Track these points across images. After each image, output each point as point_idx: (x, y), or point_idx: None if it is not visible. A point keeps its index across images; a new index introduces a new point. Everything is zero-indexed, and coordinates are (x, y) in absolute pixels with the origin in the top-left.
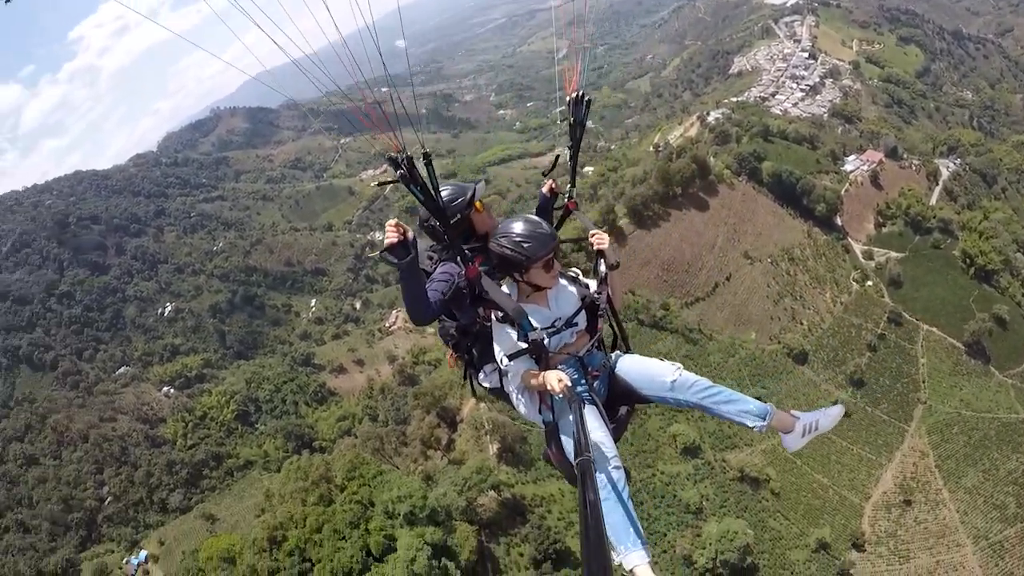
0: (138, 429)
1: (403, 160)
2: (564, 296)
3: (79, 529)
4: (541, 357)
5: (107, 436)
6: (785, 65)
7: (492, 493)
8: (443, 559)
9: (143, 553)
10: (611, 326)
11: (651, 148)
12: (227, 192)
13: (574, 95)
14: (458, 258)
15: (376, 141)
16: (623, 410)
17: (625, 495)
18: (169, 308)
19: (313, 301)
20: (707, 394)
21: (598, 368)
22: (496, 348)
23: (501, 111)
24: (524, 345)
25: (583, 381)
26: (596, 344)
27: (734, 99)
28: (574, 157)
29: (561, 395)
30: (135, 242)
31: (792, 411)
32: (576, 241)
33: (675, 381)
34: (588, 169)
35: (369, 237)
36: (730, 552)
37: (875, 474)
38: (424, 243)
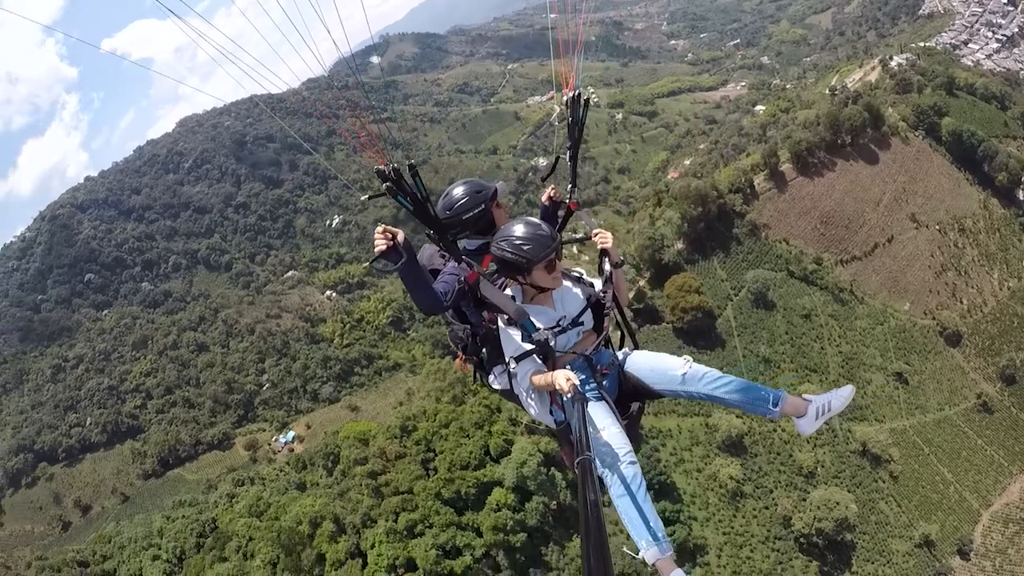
0: (300, 327)
1: (390, 172)
2: (569, 296)
3: (237, 409)
4: (548, 357)
5: (271, 331)
6: (981, 10)
7: None
8: (552, 469)
9: (291, 434)
10: (618, 324)
11: (827, 91)
12: (395, 114)
13: (571, 95)
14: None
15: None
16: (635, 407)
17: (641, 491)
18: (337, 220)
19: None
20: (718, 384)
21: (607, 366)
22: (504, 350)
23: (672, 41)
24: (530, 346)
25: (592, 379)
26: (604, 342)
27: (921, 44)
28: (574, 158)
29: (569, 394)
30: (307, 159)
31: (804, 395)
32: (580, 241)
33: (685, 374)
34: (759, 107)
35: (532, 163)
36: (827, 521)
37: (1003, 482)
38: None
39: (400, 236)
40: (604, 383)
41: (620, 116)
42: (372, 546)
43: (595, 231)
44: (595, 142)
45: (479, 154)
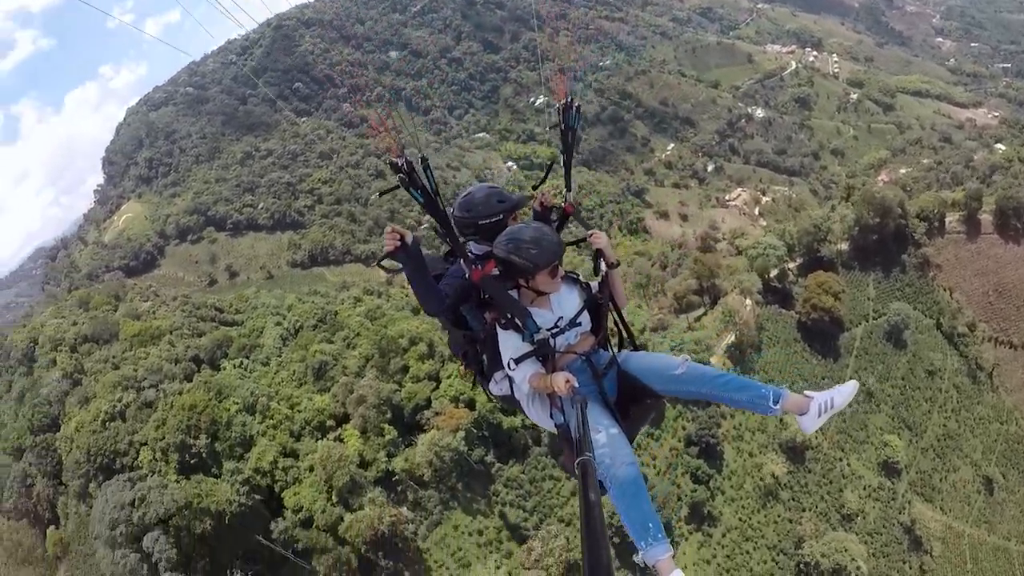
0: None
1: (403, 165)
2: (566, 298)
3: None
4: (547, 359)
5: (446, 180)
6: None
7: None
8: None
9: None
10: (616, 325)
11: None
12: (629, 17)
13: (564, 102)
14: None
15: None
16: (634, 408)
17: (641, 492)
18: (541, 100)
19: (671, 145)
20: (718, 383)
21: (605, 366)
22: (502, 353)
23: (939, 39)
24: (530, 347)
25: (591, 380)
26: (602, 343)
27: None
28: (567, 162)
29: (568, 396)
30: (529, 35)
31: (806, 392)
32: (575, 243)
33: (684, 373)
34: (1000, 146)
35: (749, 110)
36: (827, 560)
37: None
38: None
39: (408, 237)
40: (603, 383)
41: (855, 97)
42: (448, 376)
43: (590, 232)
44: (820, 114)
45: (699, 83)
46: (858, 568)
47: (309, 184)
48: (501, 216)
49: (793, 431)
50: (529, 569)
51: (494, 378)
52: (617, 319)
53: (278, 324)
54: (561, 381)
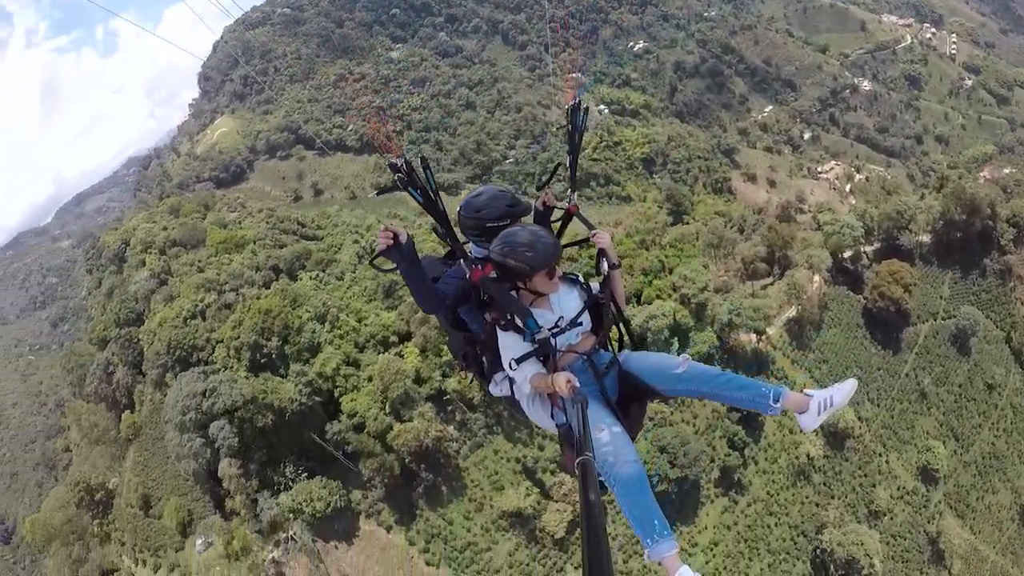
0: (561, 123)
1: (402, 165)
2: (566, 298)
3: (476, 168)
4: (548, 358)
5: (535, 117)
6: None
7: None
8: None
9: None
10: (617, 325)
11: None
12: None
13: (572, 103)
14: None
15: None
16: (636, 407)
17: (645, 489)
18: (640, 46)
19: (769, 107)
20: (719, 382)
21: (606, 366)
22: (503, 355)
23: None
24: (530, 347)
25: (592, 380)
26: (603, 343)
27: None
28: (573, 163)
29: (569, 395)
30: None
31: (805, 390)
32: (578, 243)
33: (685, 372)
34: None
35: (855, 81)
36: (839, 548)
37: None
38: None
39: (402, 235)
40: (604, 383)
41: (970, 83)
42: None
43: (593, 232)
44: (930, 95)
45: (806, 46)
46: (871, 565)
47: (399, 110)
48: (509, 220)
49: (837, 414)
50: (557, 501)
51: (494, 379)
52: (618, 319)
53: (355, 242)
54: (562, 381)
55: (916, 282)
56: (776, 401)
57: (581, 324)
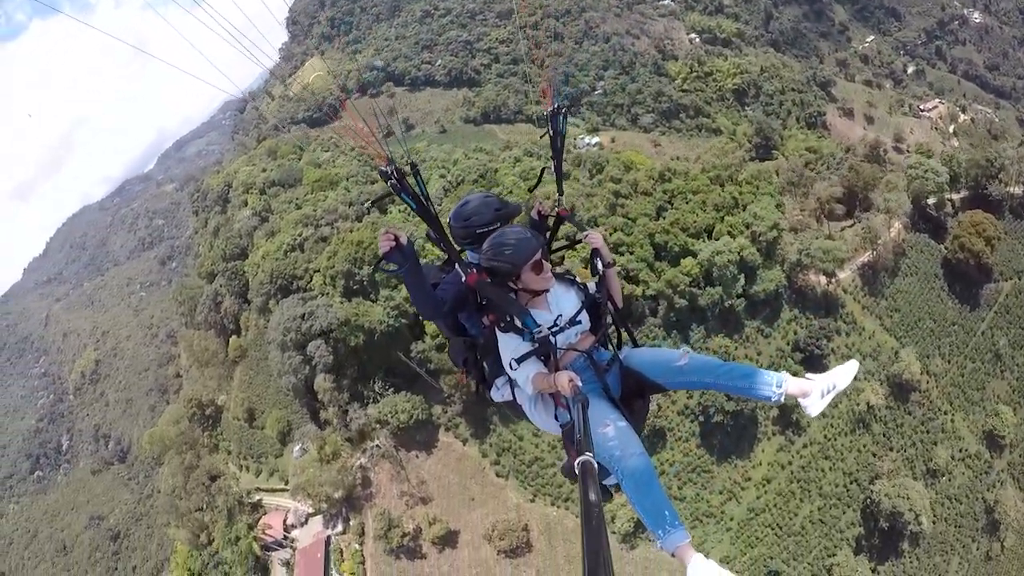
0: (651, 54)
1: (392, 172)
2: (563, 297)
3: (564, 99)
4: (549, 357)
5: (624, 47)
6: None
7: None
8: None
9: (596, 139)
10: (614, 323)
11: None
12: None
13: (550, 109)
14: (458, 264)
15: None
16: (638, 403)
17: (653, 482)
18: None
19: (871, 37)
20: (720, 372)
21: (607, 363)
22: (503, 355)
23: None
24: (530, 347)
25: (594, 377)
26: (603, 342)
27: None
28: (558, 168)
29: (572, 394)
30: None
31: (807, 375)
32: (571, 245)
33: (686, 364)
34: None
35: (965, 12)
36: (886, 499)
37: None
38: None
39: (403, 237)
40: (606, 380)
41: None
42: (579, 243)
43: (585, 233)
44: None
45: None
46: (917, 521)
47: (486, 43)
48: (498, 224)
49: (903, 366)
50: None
51: (495, 384)
52: (615, 317)
53: (442, 176)
54: (565, 379)
55: (1001, 236)
56: (779, 387)
57: (580, 323)
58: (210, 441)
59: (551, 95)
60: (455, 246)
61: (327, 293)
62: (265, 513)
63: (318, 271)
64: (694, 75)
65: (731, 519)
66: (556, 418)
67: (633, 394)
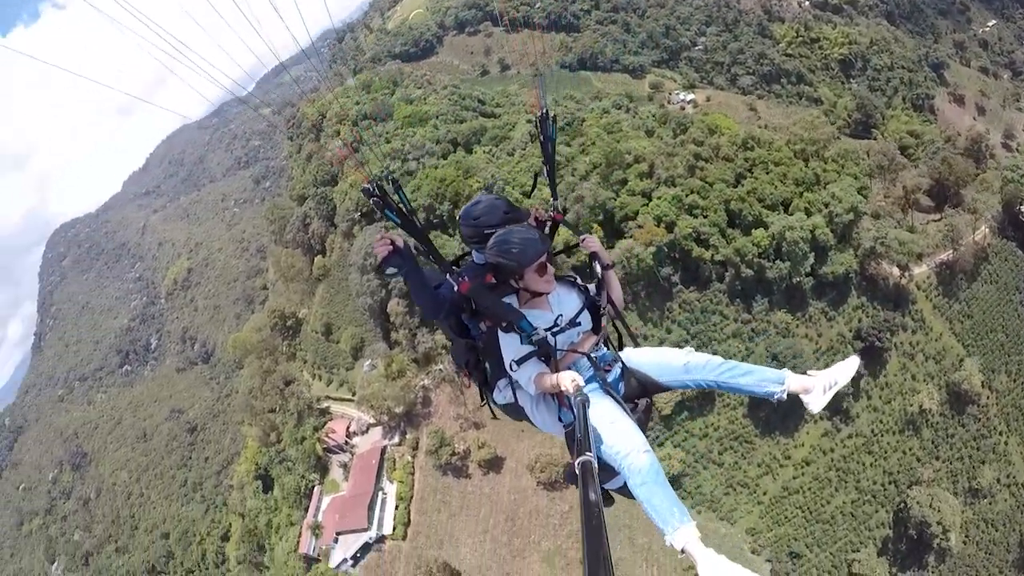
0: (757, 14)
1: (374, 189)
2: (564, 298)
3: (663, 52)
4: (550, 358)
5: (729, 4)
6: None
7: None
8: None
9: (690, 96)
10: (614, 324)
11: None
12: None
13: (539, 114)
14: (452, 273)
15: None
16: (642, 403)
17: (660, 478)
18: None
19: (992, 22)
20: (723, 370)
21: (609, 363)
22: (504, 356)
23: None
24: (530, 348)
25: (596, 377)
26: (603, 342)
27: None
28: (551, 172)
29: (574, 395)
30: None
31: (809, 371)
32: (568, 250)
33: (688, 363)
34: None
35: None
36: (918, 507)
37: None
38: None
39: (400, 241)
40: (609, 380)
41: None
42: (659, 198)
43: (582, 237)
44: None
45: None
46: (944, 533)
47: None
48: (506, 226)
49: (965, 375)
50: None
51: (497, 386)
52: (616, 318)
53: (529, 121)
54: (567, 380)
55: None
56: (781, 384)
57: (580, 324)
58: (288, 350)
59: (539, 100)
60: (442, 255)
61: None
62: (331, 419)
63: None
64: (800, 40)
65: (764, 493)
66: (560, 419)
67: (636, 393)
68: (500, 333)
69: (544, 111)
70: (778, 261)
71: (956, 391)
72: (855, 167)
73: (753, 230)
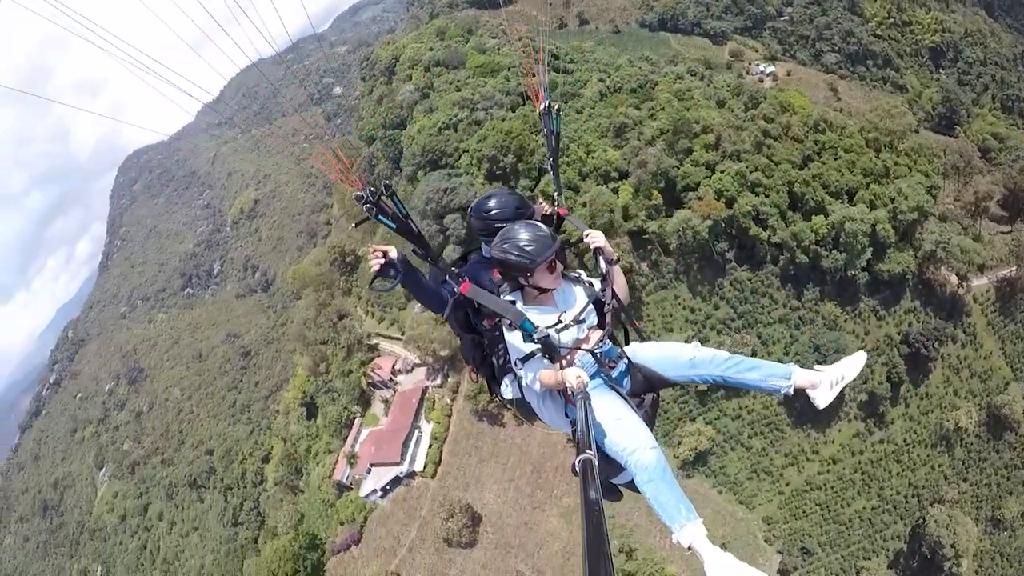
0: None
1: (368, 196)
2: (570, 294)
3: (747, 20)
4: (555, 356)
5: None
6: None
7: None
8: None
9: (771, 68)
10: (619, 320)
11: None
12: None
13: (543, 107)
14: (450, 275)
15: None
16: (648, 398)
17: (667, 475)
18: None
19: None
20: (729, 365)
21: (615, 359)
22: (510, 354)
23: None
24: (535, 346)
25: (601, 374)
26: (609, 338)
27: None
28: (555, 166)
29: (579, 391)
30: None
31: (816, 367)
32: (572, 245)
33: (695, 358)
34: None
35: None
36: (934, 526)
37: None
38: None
39: (392, 252)
40: (615, 376)
41: None
42: (723, 171)
43: (586, 233)
44: None
45: None
46: (956, 557)
47: None
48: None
49: (1008, 399)
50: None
51: (504, 381)
52: (621, 313)
53: (601, 80)
54: (572, 376)
55: None
56: (788, 379)
57: (585, 320)
58: (345, 285)
59: (541, 93)
60: (439, 259)
61: (471, 173)
62: (378, 356)
63: (467, 151)
64: (891, 21)
65: (787, 484)
66: (567, 415)
67: (642, 388)
68: (506, 331)
69: (547, 104)
70: (835, 251)
71: (996, 414)
72: (928, 164)
73: (813, 216)
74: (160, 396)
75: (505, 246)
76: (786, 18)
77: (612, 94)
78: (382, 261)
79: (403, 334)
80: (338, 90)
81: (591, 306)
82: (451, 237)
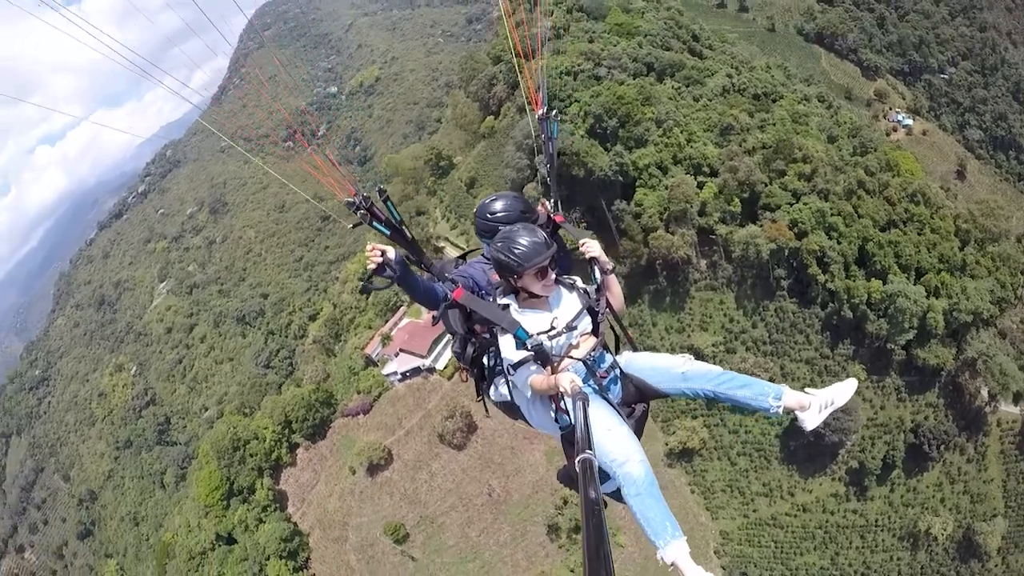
0: (1021, 73)
1: (360, 202)
2: (564, 301)
3: (904, 61)
4: (546, 362)
5: (996, 46)
6: None
7: None
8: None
9: (908, 121)
10: (613, 329)
11: None
12: None
13: (541, 112)
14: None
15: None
16: (639, 408)
17: (654, 489)
18: None
19: None
20: (720, 380)
21: (607, 369)
22: (503, 357)
23: None
24: (527, 352)
25: (592, 383)
26: (602, 347)
27: None
28: (552, 172)
29: (572, 395)
30: None
31: (806, 389)
32: (568, 253)
33: (686, 371)
34: None
35: None
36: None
37: None
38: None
39: (389, 252)
40: (606, 386)
41: None
42: (806, 203)
43: (582, 242)
44: None
45: None
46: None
47: None
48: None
49: (988, 528)
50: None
51: (495, 384)
52: (615, 323)
53: (728, 76)
54: (566, 381)
55: None
56: (778, 399)
57: (578, 327)
58: (432, 186)
59: (539, 98)
60: (432, 265)
61: (576, 124)
62: (440, 258)
63: (577, 101)
64: None
65: (754, 510)
66: (556, 420)
67: (633, 399)
68: (500, 335)
69: (545, 109)
70: (882, 320)
71: (971, 538)
72: (1009, 276)
73: (873, 279)
74: (235, 232)
75: (500, 245)
76: (946, 76)
77: (733, 93)
78: (380, 260)
79: (468, 245)
80: None
81: (585, 313)
82: (537, 173)
